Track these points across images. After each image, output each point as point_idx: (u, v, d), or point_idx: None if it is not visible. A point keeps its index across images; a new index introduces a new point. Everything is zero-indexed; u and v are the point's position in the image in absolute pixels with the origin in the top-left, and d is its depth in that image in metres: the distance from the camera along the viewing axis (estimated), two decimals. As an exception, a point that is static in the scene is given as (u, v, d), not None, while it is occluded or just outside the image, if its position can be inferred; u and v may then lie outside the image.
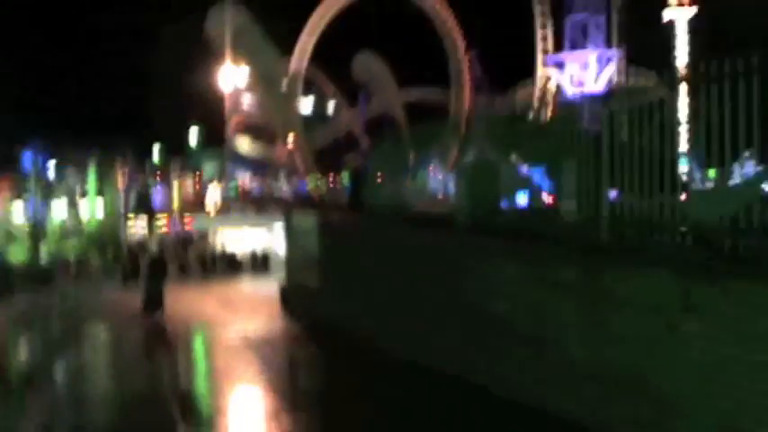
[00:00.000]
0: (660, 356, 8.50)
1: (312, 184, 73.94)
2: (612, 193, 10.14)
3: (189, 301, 32.56)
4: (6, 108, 76.04)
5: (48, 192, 66.35)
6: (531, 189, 13.96)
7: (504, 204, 13.85)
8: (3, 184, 66.67)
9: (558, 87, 64.21)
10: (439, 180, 19.17)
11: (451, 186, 16.95)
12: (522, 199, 14.35)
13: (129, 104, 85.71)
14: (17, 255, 57.47)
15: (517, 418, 9.81)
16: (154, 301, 23.61)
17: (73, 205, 67.47)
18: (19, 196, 64.92)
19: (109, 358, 17.58)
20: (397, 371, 12.60)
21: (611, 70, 61.93)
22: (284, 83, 70.56)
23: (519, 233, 11.49)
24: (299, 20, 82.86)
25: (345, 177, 70.66)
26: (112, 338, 20.41)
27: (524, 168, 14.23)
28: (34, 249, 58.29)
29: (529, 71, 69.19)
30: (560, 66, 64.61)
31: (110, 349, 19.05)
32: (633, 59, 62.25)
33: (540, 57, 67.72)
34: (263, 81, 67.21)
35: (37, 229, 60.32)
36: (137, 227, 68.66)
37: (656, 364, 8.56)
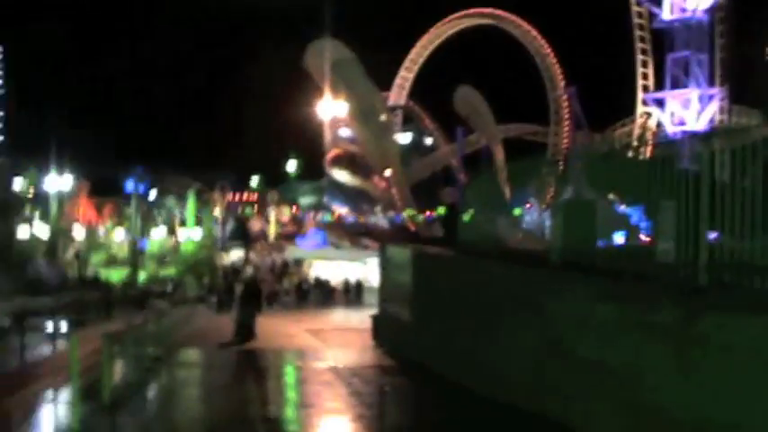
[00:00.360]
0: (763, 409, 8.18)
1: (408, 216, 74.21)
2: (712, 235, 9.89)
3: (281, 330, 32.82)
4: (111, 136, 78.21)
5: (148, 218, 67.86)
6: (628, 228, 13.73)
7: (600, 243, 13.65)
8: (105, 210, 68.42)
9: (659, 125, 63.30)
10: (535, 216, 19.01)
11: (547, 223, 16.79)
12: (618, 238, 14.12)
13: (230, 135, 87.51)
14: (116, 277, 58.84)
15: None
16: (245, 329, 23.68)
17: (171, 232, 68.87)
18: (120, 222, 66.57)
19: (199, 382, 17.76)
20: (484, 409, 12.42)
21: (712, 109, 60.81)
22: (382, 117, 71.08)
23: (614, 273, 11.28)
24: (398, 54, 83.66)
25: (441, 211, 70.76)
26: (203, 363, 20.63)
27: (622, 207, 14.02)
28: (133, 273, 59.58)
29: (629, 109, 68.48)
30: (661, 103, 63.67)
31: (200, 373, 19.24)
32: (736, 98, 61.13)
33: (640, 94, 66.91)
34: (361, 114, 67.76)
35: (136, 254, 61.66)
36: (233, 255, 69.72)
37: (757, 418, 8.25)
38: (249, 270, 62.48)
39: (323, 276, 57.48)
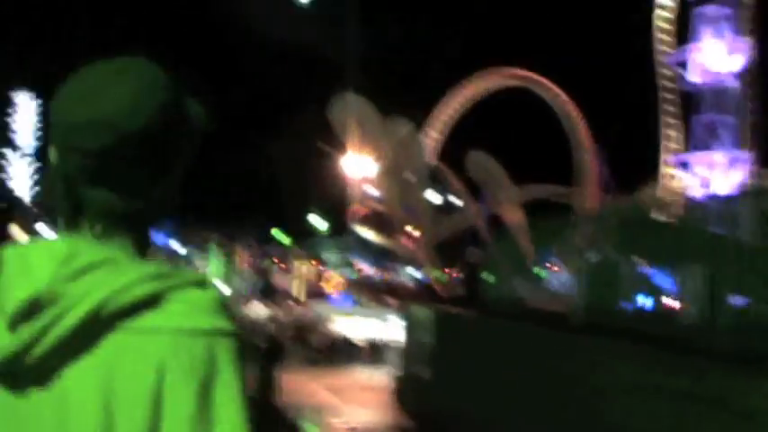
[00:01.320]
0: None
1: (433, 275, 73.99)
2: (737, 299, 9.76)
3: (302, 386, 32.62)
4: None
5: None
6: (653, 291, 13.60)
7: (623, 305, 13.52)
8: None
9: (684, 188, 63.08)
10: (558, 277, 18.89)
11: (570, 284, 16.69)
12: (642, 300, 13.98)
13: (253, 189, 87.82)
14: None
15: None
16: (266, 385, 23.49)
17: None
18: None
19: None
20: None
21: (739, 172, 60.57)
22: (409, 175, 71.26)
23: (638, 335, 11.14)
24: (426, 115, 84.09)
25: (466, 271, 70.59)
26: None
27: (646, 269, 13.90)
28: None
29: (654, 170, 68.30)
30: (686, 166, 63.52)
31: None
32: (764, 162, 60.88)
33: (665, 156, 66.78)
34: (387, 171, 68.00)
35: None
36: (256, 310, 69.67)
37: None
38: (272, 325, 62.48)
39: (345, 333, 57.32)
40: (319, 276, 71.20)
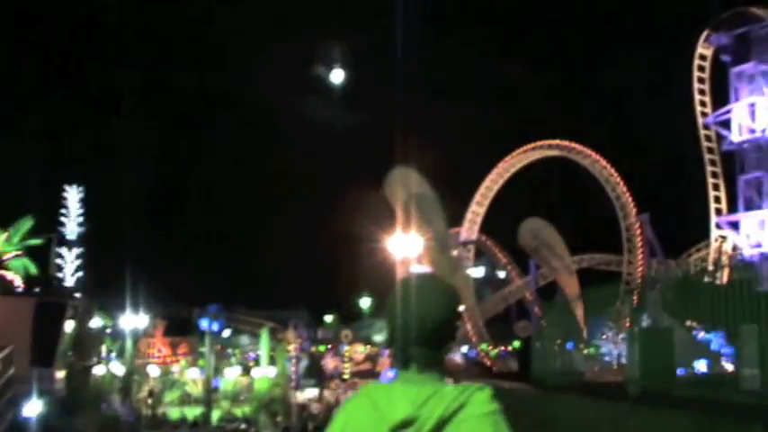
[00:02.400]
0: None
1: (482, 351, 73.28)
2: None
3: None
4: (186, 274, 79.38)
5: (222, 356, 68.19)
6: (709, 356, 13.30)
7: (680, 372, 13.22)
8: (180, 348, 68.95)
9: (735, 249, 62.09)
10: (611, 347, 18.56)
11: (624, 353, 16.38)
12: (699, 366, 13.67)
13: (303, 273, 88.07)
14: (191, 415, 58.87)
15: None
16: None
17: (245, 370, 68.94)
18: (194, 361, 66.96)
19: None
20: None
21: (791, 229, 59.61)
22: (454, 252, 71.04)
23: (696, 404, 10.84)
24: (467, 190, 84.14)
25: (516, 345, 69.88)
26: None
27: (701, 334, 13.60)
28: (207, 411, 59.50)
29: (703, 233, 67.42)
30: (736, 226, 62.56)
31: None
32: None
33: (713, 218, 65.94)
34: (434, 249, 67.84)
35: (210, 392, 61.69)
36: (307, 393, 69.30)
37: None
38: (323, 408, 62.05)
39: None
40: (370, 357, 70.76)
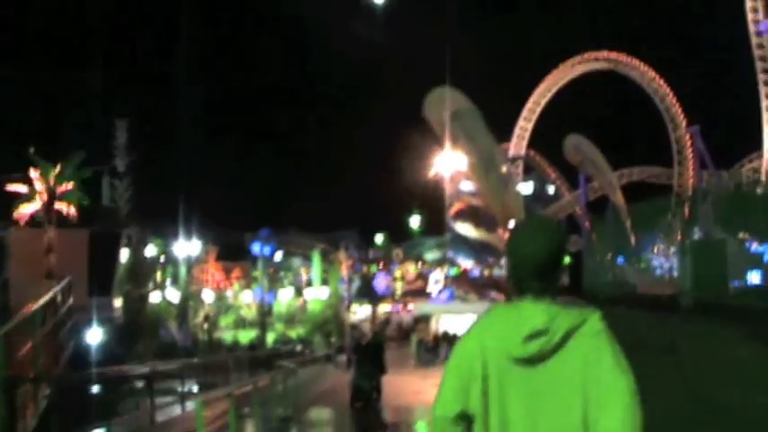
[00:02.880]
0: None
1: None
2: None
3: (407, 386, 32.55)
4: (238, 199, 79.95)
5: (275, 279, 68.87)
6: (763, 267, 13.19)
7: (733, 284, 13.15)
8: (234, 273, 69.77)
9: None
10: (662, 260, 18.43)
11: (675, 266, 16.29)
12: (752, 278, 13.58)
13: (352, 194, 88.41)
14: (245, 339, 59.80)
15: None
16: (364, 391, 22.13)
17: (298, 292, 69.68)
18: (248, 285, 67.74)
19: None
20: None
21: None
22: (503, 168, 70.72)
23: (750, 314, 10.80)
24: (515, 105, 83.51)
25: (566, 260, 69.85)
26: (332, 422, 20.52)
27: (754, 246, 13.46)
28: (261, 334, 60.38)
29: (755, 143, 66.36)
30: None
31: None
32: None
33: (766, 128, 64.83)
34: (482, 166, 67.52)
35: (264, 316, 62.52)
36: (359, 312, 70.00)
37: None
38: (375, 326, 62.59)
39: (451, 331, 57.03)
40: (421, 276, 71.07)
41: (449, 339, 51.94)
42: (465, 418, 3.28)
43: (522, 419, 3.20)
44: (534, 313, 3.22)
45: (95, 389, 15.77)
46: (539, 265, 3.31)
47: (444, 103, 67.24)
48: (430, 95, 68.82)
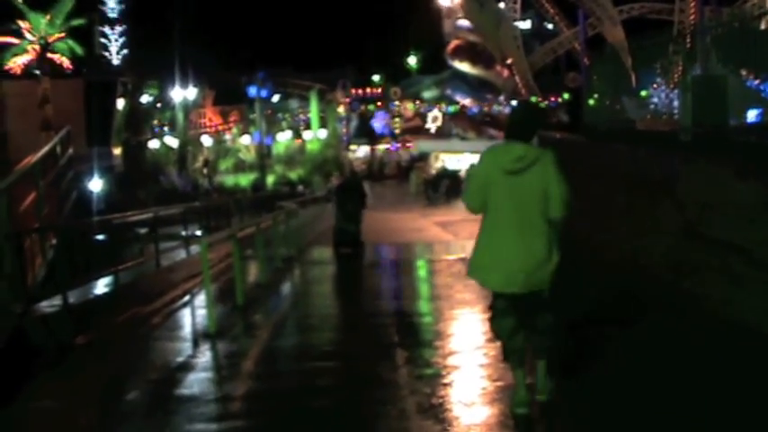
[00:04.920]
0: None
1: (532, 102, 73.02)
2: None
3: (409, 224, 32.96)
4: (232, 42, 78.89)
5: (272, 122, 68.67)
6: (763, 104, 13.14)
7: (732, 121, 13.12)
8: (231, 117, 69.56)
9: (795, -9, 60.03)
10: (662, 97, 18.36)
11: (675, 103, 16.24)
12: (752, 115, 13.54)
13: (348, 32, 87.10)
14: (245, 182, 60.17)
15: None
16: (346, 233, 21.19)
17: (296, 134, 69.59)
18: (246, 128, 67.62)
19: (330, 279, 18.05)
20: (617, 292, 12.07)
21: None
22: (500, 3, 69.63)
23: (750, 151, 10.82)
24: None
25: (566, 96, 69.42)
26: (334, 260, 20.80)
27: (755, 82, 13.38)
28: (261, 176, 60.68)
29: (760, -24, 65.11)
30: (797, -32, 60.15)
31: (331, 270, 19.53)
32: None
33: (771, -38, 63.49)
34: (478, 1, 66.46)
35: (263, 158, 62.69)
36: (358, 152, 70.15)
37: None
38: (359, 166, 62.59)
39: (450, 167, 57.30)
40: (419, 114, 70.81)
41: (449, 176, 52.15)
42: (483, 204, 6.61)
43: (508, 201, 6.43)
44: (518, 149, 6.48)
45: (100, 237, 15.98)
46: (520, 125, 6.64)
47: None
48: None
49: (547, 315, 6.69)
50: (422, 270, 18.56)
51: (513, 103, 70.98)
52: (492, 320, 6.82)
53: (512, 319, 6.62)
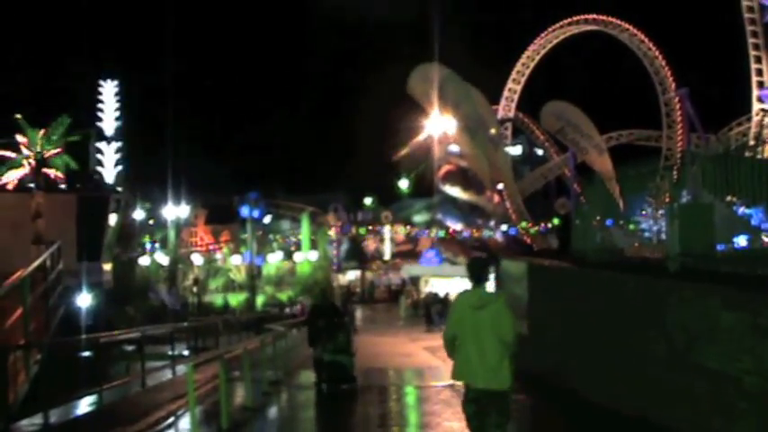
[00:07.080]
0: None
1: (522, 229, 73.57)
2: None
3: (398, 349, 32.74)
4: (225, 164, 79.82)
5: (264, 242, 68.93)
6: (750, 231, 13.25)
7: (720, 248, 13.21)
8: (223, 236, 69.86)
9: (777, 122, 61.20)
10: (651, 224, 18.52)
11: (664, 230, 16.36)
12: (740, 242, 13.64)
13: (341, 158, 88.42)
14: (235, 302, 60.00)
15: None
16: (326, 365, 18.71)
17: (287, 255, 69.78)
18: (237, 248, 67.83)
19: (318, 404, 17.80)
20: (601, 420, 12.04)
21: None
22: (491, 130, 70.79)
23: (737, 279, 10.87)
24: (505, 68, 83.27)
25: (555, 222, 69.98)
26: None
27: (741, 209, 13.52)
28: (251, 296, 60.55)
29: (744, 107, 66.53)
30: (779, 100, 61.51)
31: (320, 395, 19.29)
32: None
33: (755, 91, 64.91)
34: (469, 130, 67.58)
35: (254, 278, 62.66)
36: (348, 275, 70.24)
37: None
38: (362, 289, 62.48)
39: (439, 292, 57.30)
40: (410, 238, 71.24)
41: (439, 300, 52.16)
42: (455, 337, 8.94)
43: (472, 327, 8.70)
44: (479, 292, 8.86)
45: (86, 354, 15.85)
46: (477, 275, 9.00)
47: (428, 77, 67.30)
48: (413, 72, 68.92)
49: (504, 413, 8.98)
50: (410, 396, 18.36)
51: (503, 227, 71.56)
52: (466, 420, 9.11)
53: (476, 422, 8.96)
